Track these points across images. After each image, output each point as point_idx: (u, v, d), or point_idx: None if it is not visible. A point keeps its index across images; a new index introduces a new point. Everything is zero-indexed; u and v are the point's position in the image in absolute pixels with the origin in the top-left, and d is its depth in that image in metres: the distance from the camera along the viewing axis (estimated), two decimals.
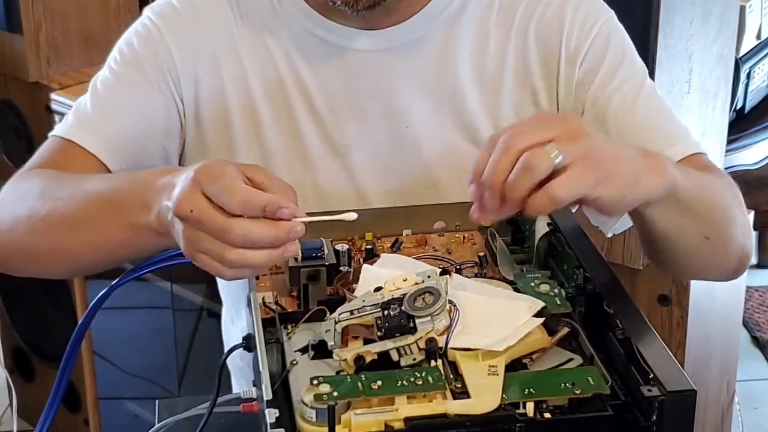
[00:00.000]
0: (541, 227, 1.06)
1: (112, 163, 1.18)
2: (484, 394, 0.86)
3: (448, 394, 0.87)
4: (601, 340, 0.94)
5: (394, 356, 0.90)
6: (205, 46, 1.23)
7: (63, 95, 2.32)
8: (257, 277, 1.03)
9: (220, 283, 1.39)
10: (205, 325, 2.43)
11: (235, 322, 1.39)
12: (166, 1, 1.24)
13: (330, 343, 0.92)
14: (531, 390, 0.87)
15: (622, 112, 1.21)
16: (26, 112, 2.46)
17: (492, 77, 1.23)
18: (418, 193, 1.21)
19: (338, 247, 1.04)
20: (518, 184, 0.91)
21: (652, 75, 1.68)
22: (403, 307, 0.91)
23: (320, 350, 0.94)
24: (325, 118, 1.23)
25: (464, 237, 1.14)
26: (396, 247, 1.11)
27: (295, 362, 0.93)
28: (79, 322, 1.04)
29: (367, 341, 0.91)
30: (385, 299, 0.92)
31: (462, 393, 0.87)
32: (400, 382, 0.86)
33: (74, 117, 1.22)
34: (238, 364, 1.38)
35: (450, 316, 0.92)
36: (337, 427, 0.84)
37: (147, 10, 1.25)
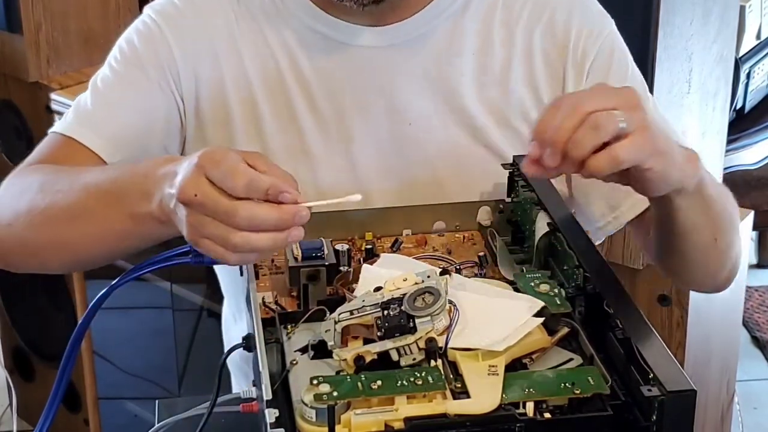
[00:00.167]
0: (541, 227, 1.06)
1: (111, 160, 1.19)
2: (484, 394, 0.86)
3: (448, 394, 0.87)
4: (601, 340, 0.94)
5: (394, 356, 0.90)
6: (206, 44, 1.23)
7: (63, 95, 2.32)
8: (257, 277, 1.03)
9: (223, 282, 1.39)
10: (205, 325, 2.42)
11: (238, 322, 1.39)
12: None
13: (330, 343, 0.92)
14: (531, 390, 0.87)
15: None
16: (26, 112, 2.46)
17: (496, 76, 1.24)
18: (420, 191, 1.21)
19: (338, 247, 1.04)
20: (584, 143, 0.94)
21: (652, 75, 1.68)
22: (403, 307, 0.91)
23: (320, 350, 0.94)
24: (326, 115, 1.23)
25: (464, 237, 1.14)
26: (396, 247, 1.11)
27: (295, 362, 0.93)
28: (79, 322, 1.04)
29: (367, 341, 0.91)
30: (385, 299, 0.92)
31: (462, 393, 0.87)
32: (400, 382, 0.86)
33: (74, 114, 1.22)
34: (238, 364, 1.38)
35: (450, 316, 0.92)
36: (337, 427, 0.84)
37: (147, 9, 1.25)
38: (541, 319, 0.94)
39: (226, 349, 1.02)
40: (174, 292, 2.40)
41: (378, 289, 0.94)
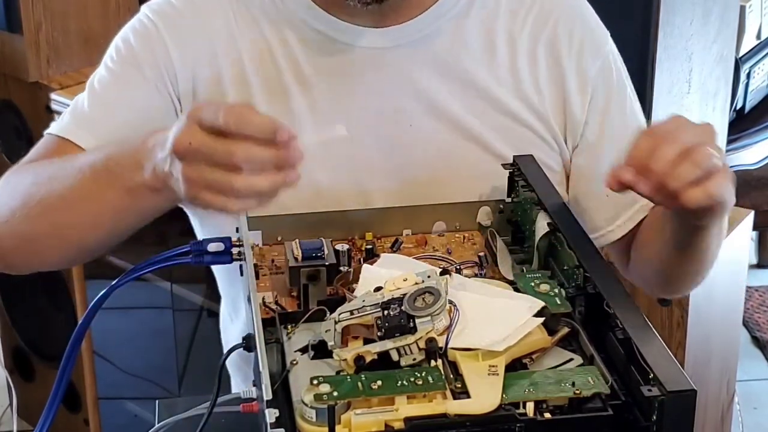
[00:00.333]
0: (541, 227, 1.06)
1: None
2: (484, 394, 0.86)
3: (448, 394, 0.87)
4: (601, 340, 0.94)
5: (394, 356, 0.90)
6: (204, 43, 1.23)
7: (63, 95, 2.32)
8: (257, 277, 1.03)
9: (220, 283, 1.39)
10: (205, 325, 2.42)
11: (234, 321, 1.39)
12: None
13: (330, 343, 0.92)
14: (531, 390, 0.87)
15: (620, 135, 1.25)
16: (26, 112, 2.46)
17: (499, 78, 1.24)
18: (420, 192, 1.21)
19: (338, 247, 1.04)
20: (684, 177, 0.98)
21: (652, 75, 1.69)
22: (403, 307, 0.91)
23: (320, 350, 0.94)
24: (327, 115, 1.22)
25: (464, 237, 1.13)
26: (396, 247, 1.11)
27: (295, 362, 0.93)
28: (79, 322, 1.04)
29: (367, 341, 0.91)
30: (385, 299, 0.92)
31: (462, 393, 0.87)
32: (400, 382, 0.86)
33: (71, 115, 1.22)
34: (238, 364, 1.38)
35: (450, 316, 0.92)
36: (337, 427, 0.84)
37: (145, 8, 1.25)
38: (541, 319, 0.94)
39: (225, 349, 1.02)
40: (174, 292, 2.40)
41: (378, 289, 0.94)
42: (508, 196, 1.16)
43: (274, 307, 1.01)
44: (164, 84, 1.21)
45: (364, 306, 0.92)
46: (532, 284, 1.00)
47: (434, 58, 1.23)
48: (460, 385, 0.88)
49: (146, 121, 1.20)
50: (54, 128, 1.21)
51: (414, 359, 0.90)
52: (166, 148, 0.95)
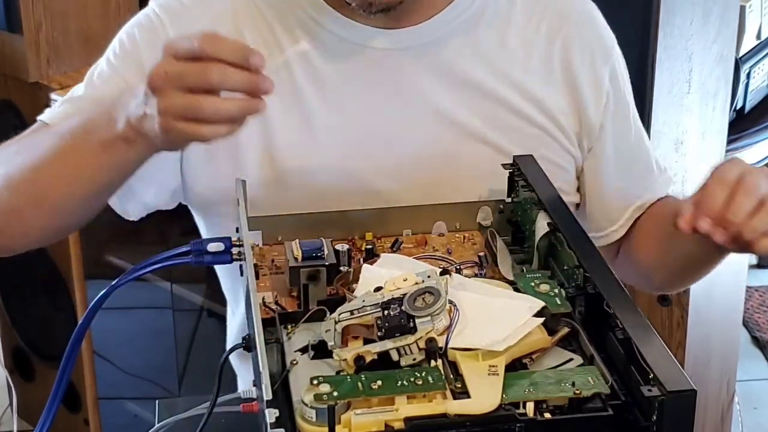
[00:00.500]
0: (541, 227, 1.06)
1: None
2: (484, 394, 0.86)
3: (448, 394, 0.87)
4: (601, 340, 0.94)
5: (394, 356, 0.90)
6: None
7: (63, 95, 2.31)
8: (257, 277, 1.03)
9: (224, 284, 1.39)
10: (205, 325, 2.43)
11: (235, 314, 1.39)
12: None
13: (330, 343, 0.92)
14: (531, 390, 0.87)
15: (623, 140, 1.31)
16: (26, 112, 2.46)
17: (510, 81, 1.24)
18: (426, 193, 1.20)
19: (338, 247, 1.04)
20: (759, 228, 1.03)
21: (652, 75, 1.69)
22: (403, 307, 0.91)
23: (320, 350, 0.94)
24: (337, 114, 1.22)
25: (464, 237, 1.13)
26: (396, 247, 1.11)
27: (295, 362, 0.93)
28: (79, 322, 1.04)
29: (367, 341, 0.91)
30: (385, 299, 0.92)
31: (462, 393, 0.87)
32: (400, 382, 0.86)
33: (65, 104, 1.22)
34: (241, 360, 1.37)
35: (450, 316, 0.92)
36: (337, 427, 0.84)
37: (152, 2, 1.24)
38: (541, 319, 0.94)
39: (228, 344, 1.02)
40: (174, 292, 2.40)
41: (378, 289, 0.94)
42: (508, 196, 1.16)
43: (274, 307, 1.01)
44: None
45: (364, 306, 0.92)
46: (532, 284, 1.00)
47: (442, 61, 1.23)
48: (460, 385, 0.88)
49: None
50: (46, 115, 1.21)
51: (414, 359, 0.90)
52: (140, 91, 0.99)
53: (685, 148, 1.81)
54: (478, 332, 0.92)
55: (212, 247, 1.01)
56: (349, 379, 0.87)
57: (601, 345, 0.93)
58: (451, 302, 0.93)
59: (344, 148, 1.22)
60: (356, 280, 1.02)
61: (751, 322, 3.08)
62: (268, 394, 0.83)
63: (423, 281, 0.93)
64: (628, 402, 0.87)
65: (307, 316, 0.99)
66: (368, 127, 1.22)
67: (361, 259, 1.08)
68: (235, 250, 1.01)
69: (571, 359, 0.93)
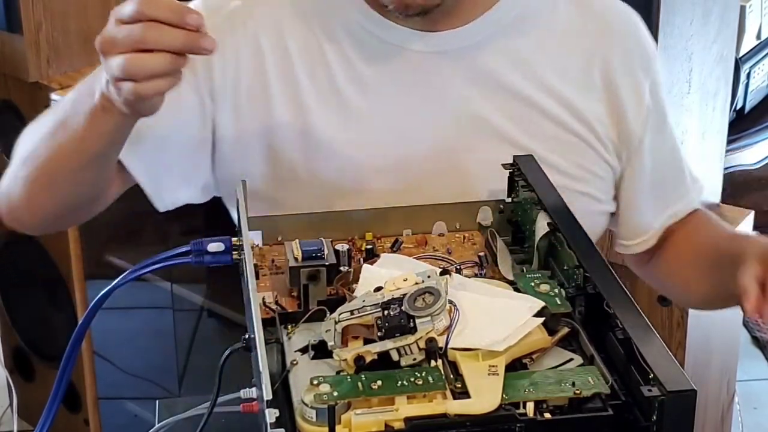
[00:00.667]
0: (541, 227, 1.06)
1: None
2: (484, 394, 0.86)
3: (448, 394, 0.87)
4: (601, 340, 0.94)
5: (394, 356, 0.90)
6: (249, 38, 1.23)
7: (63, 95, 2.32)
8: (257, 277, 1.03)
9: None
10: (205, 325, 2.43)
11: None
12: None
13: (330, 343, 0.92)
14: (531, 390, 0.87)
15: (661, 151, 1.33)
16: (26, 112, 2.46)
17: (548, 89, 1.24)
18: (459, 194, 1.19)
19: (338, 247, 1.04)
20: None
21: None
22: (403, 307, 0.91)
23: (320, 350, 0.94)
24: (375, 113, 1.23)
25: (464, 237, 1.13)
26: (396, 247, 1.11)
27: (295, 362, 0.93)
28: (79, 322, 1.04)
29: (367, 341, 0.91)
30: (385, 299, 0.92)
31: (462, 393, 0.87)
32: (400, 382, 0.86)
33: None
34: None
35: (450, 316, 0.92)
36: (337, 427, 0.84)
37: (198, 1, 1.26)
38: (542, 319, 0.94)
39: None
40: (174, 292, 2.40)
41: (378, 289, 0.94)
42: (508, 196, 1.16)
43: (274, 307, 1.01)
44: (196, 78, 1.22)
45: (364, 306, 0.92)
46: (532, 284, 1.00)
47: (479, 66, 1.23)
48: (460, 385, 0.88)
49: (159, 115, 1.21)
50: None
51: (414, 359, 0.90)
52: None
53: (685, 148, 1.80)
54: (478, 332, 0.92)
55: (212, 247, 1.01)
56: (349, 379, 0.87)
57: (601, 345, 0.93)
58: (451, 302, 0.93)
59: (380, 146, 1.23)
60: (356, 280, 1.02)
61: (751, 322, 3.08)
62: (268, 394, 0.83)
63: (423, 281, 0.93)
64: (628, 402, 0.87)
65: (307, 316, 0.99)
66: (403, 128, 1.23)
67: (361, 259, 1.08)
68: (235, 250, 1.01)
69: (571, 359, 0.93)
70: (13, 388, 2.66)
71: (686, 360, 1.88)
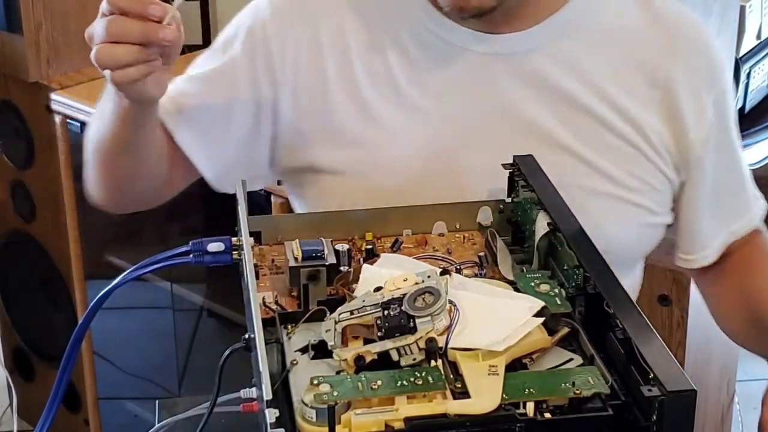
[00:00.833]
0: (541, 227, 1.06)
1: (173, 126, 1.28)
2: (484, 394, 0.86)
3: (448, 394, 0.87)
4: (601, 340, 0.94)
5: (394, 356, 0.90)
6: (310, 34, 1.26)
7: (63, 95, 2.32)
8: (257, 277, 1.03)
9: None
10: (205, 325, 2.43)
11: None
12: None
13: (330, 343, 0.92)
14: (531, 390, 0.86)
15: (726, 170, 1.32)
16: (26, 112, 2.46)
17: (607, 99, 1.24)
18: None
19: (338, 247, 1.04)
20: None
21: None
22: (403, 307, 0.91)
23: (320, 350, 0.94)
24: (432, 110, 1.24)
25: (464, 237, 1.13)
26: (396, 247, 1.11)
27: (295, 362, 0.93)
28: (79, 322, 1.04)
29: (367, 341, 0.91)
30: (385, 299, 0.92)
31: (462, 393, 0.87)
32: (400, 382, 0.86)
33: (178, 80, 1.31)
34: None
35: (450, 316, 0.92)
36: (337, 427, 0.84)
37: None
38: (541, 319, 0.94)
39: None
40: (174, 292, 2.40)
41: (378, 289, 0.94)
42: (508, 196, 1.16)
43: (274, 307, 1.01)
44: (256, 75, 1.26)
45: (364, 306, 0.92)
46: (532, 284, 1.00)
47: (537, 72, 1.24)
48: (460, 385, 0.88)
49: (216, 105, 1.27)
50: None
51: (414, 359, 0.90)
52: None
53: None
54: (478, 332, 0.92)
55: (212, 247, 1.01)
56: (349, 379, 0.87)
57: (601, 345, 0.93)
58: (451, 302, 0.93)
59: (437, 144, 1.24)
60: (356, 280, 1.02)
61: None
62: (268, 394, 0.83)
63: (423, 281, 0.93)
64: (628, 402, 0.87)
65: (307, 316, 0.99)
66: (458, 128, 1.24)
67: (361, 259, 1.08)
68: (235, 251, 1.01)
69: (571, 359, 0.93)
70: (13, 388, 2.66)
71: (686, 360, 1.88)
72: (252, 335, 0.92)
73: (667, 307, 1.85)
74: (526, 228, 1.11)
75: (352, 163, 1.26)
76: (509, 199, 1.16)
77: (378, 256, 1.08)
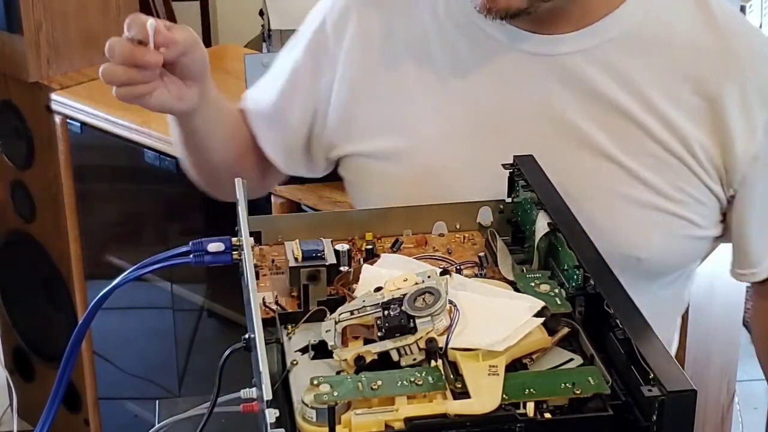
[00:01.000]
0: (541, 227, 1.06)
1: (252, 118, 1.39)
2: (484, 394, 0.86)
3: (448, 394, 0.87)
4: (601, 340, 0.94)
5: (394, 356, 0.90)
6: (383, 24, 1.29)
7: (63, 95, 2.32)
8: (257, 277, 1.03)
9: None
10: (205, 325, 2.43)
11: None
12: None
13: (330, 343, 0.92)
14: (531, 390, 0.86)
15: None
16: (26, 112, 2.46)
17: (652, 108, 1.23)
18: None
19: (338, 247, 1.04)
20: None
21: None
22: (403, 307, 0.91)
23: (320, 350, 0.94)
24: (472, 104, 1.25)
25: (464, 237, 1.13)
26: (396, 247, 1.11)
27: (295, 362, 0.93)
28: (79, 322, 1.04)
29: (367, 341, 0.91)
30: (385, 299, 0.92)
31: (462, 393, 0.87)
32: (400, 382, 0.86)
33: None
34: None
35: (450, 316, 0.92)
36: (337, 427, 0.84)
37: None
38: (542, 319, 0.94)
39: None
40: (174, 292, 2.40)
41: (378, 289, 0.94)
42: (508, 195, 1.16)
43: (274, 307, 1.01)
44: (319, 68, 1.32)
45: (364, 306, 0.92)
46: (532, 284, 1.00)
47: (580, 75, 1.23)
48: (460, 385, 0.88)
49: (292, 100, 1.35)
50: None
51: (414, 359, 0.90)
52: None
53: None
54: (478, 332, 0.92)
55: (212, 247, 1.01)
56: (349, 379, 0.87)
57: (601, 345, 0.93)
58: (451, 302, 0.93)
59: (473, 138, 1.25)
60: (356, 280, 1.02)
61: None
62: (268, 394, 0.83)
63: (423, 281, 0.93)
64: (628, 402, 0.87)
65: (307, 316, 0.99)
66: (494, 125, 1.25)
67: (361, 259, 1.08)
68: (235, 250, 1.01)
69: (571, 359, 0.93)
70: (13, 388, 2.66)
71: (686, 360, 1.88)
72: (252, 335, 0.92)
73: None
74: (526, 228, 1.11)
75: (392, 149, 1.29)
76: (509, 200, 1.16)
77: (378, 256, 1.08)
